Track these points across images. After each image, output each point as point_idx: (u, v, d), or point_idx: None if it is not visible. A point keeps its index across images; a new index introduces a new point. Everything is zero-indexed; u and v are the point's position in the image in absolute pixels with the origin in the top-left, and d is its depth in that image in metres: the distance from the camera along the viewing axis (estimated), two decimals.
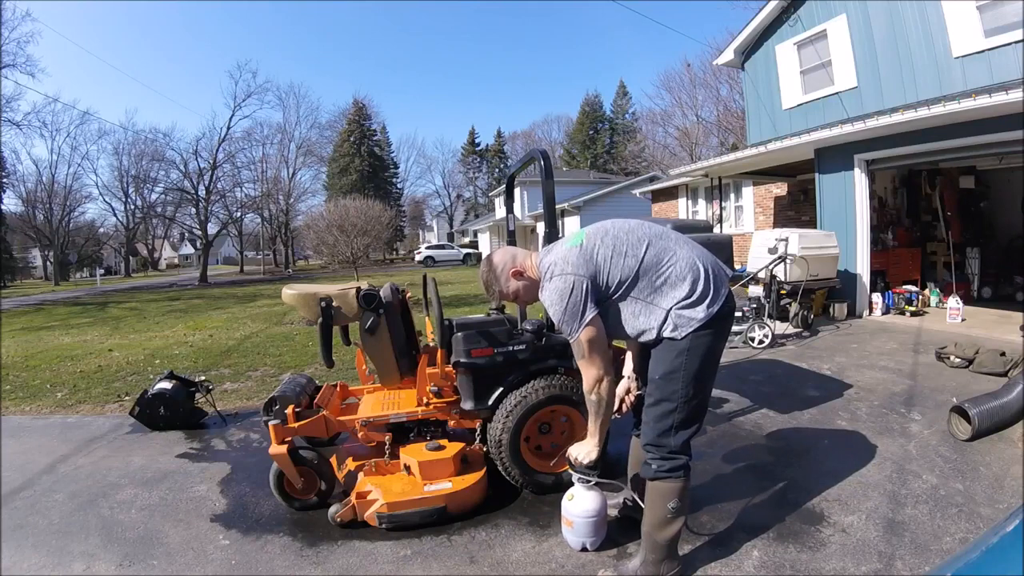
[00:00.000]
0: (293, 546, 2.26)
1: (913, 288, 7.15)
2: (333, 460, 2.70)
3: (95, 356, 6.57)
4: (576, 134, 46.30)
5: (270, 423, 2.44)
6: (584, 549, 2.11)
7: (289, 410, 2.49)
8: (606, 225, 1.88)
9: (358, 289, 2.63)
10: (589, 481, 2.06)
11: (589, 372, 1.79)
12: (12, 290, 27.96)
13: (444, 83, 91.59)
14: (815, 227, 7.60)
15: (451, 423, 2.69)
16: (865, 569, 1.96)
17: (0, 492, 2.87)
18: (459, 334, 2.52)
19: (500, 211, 27.68)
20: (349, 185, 37.55)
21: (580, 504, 2.07)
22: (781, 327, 6.07)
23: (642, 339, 1.85)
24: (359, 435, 2.58)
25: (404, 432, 2.66)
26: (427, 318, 3.18)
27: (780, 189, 10.46)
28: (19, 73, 21.42)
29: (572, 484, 2.11)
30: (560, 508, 2.14)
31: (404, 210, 47.00)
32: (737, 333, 5.76)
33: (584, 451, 1.98)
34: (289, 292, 2.62)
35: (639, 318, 1.81)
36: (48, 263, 38.06)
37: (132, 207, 38.50)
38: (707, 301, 1.75)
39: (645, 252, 1.78)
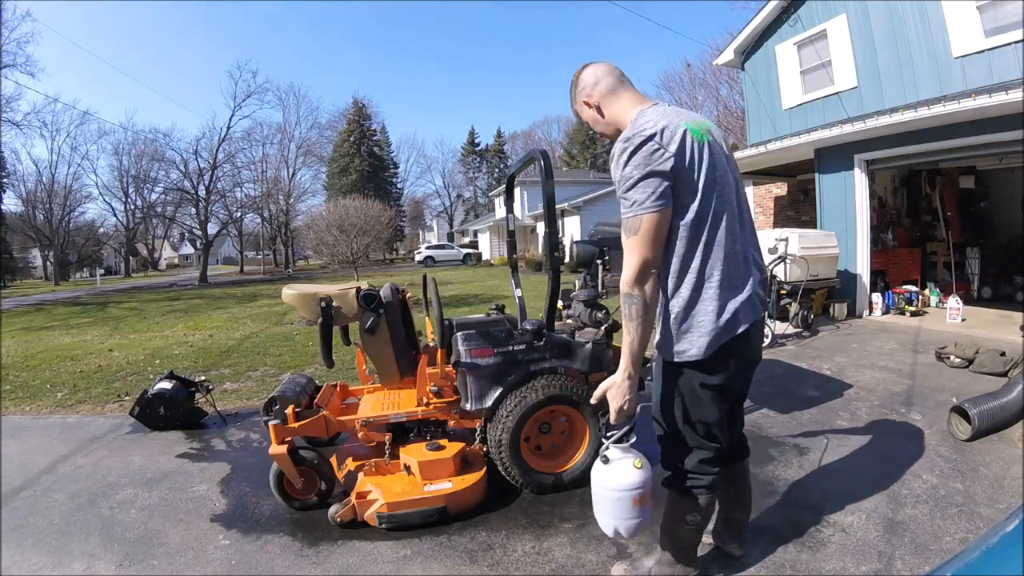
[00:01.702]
0: (293, 546, 2.26)
1: (913, 288, 7.15)
2: (333, 460, 2.70)
3: (95, 356, 6.56)
4: (576, 134, 46.23)
5: (270, 423, 2.44)
6: (617, 535, 1.68)
7: (289, 410, 2.49)
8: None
9: (358, 289, 2.63)
10: (626, 440, 1.60)
11: (637, 255, 1.45)
12: (12, 290, 27.94)
13: (444, 83, 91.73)
14: (815, 227, 7.60)
15: (451, 423, 2.69)
16: (865, 569, 1.96)
17: (0, 492, 2.87)
18: (459, 334, 2.52)
19: (500, 211, 27.69)
20: (349, 185, 37.56)
21: (614, 473, 1.58)
22: (781, 327, 6.07)
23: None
24: (359, 435, 2.58)
25: (404, 432, 2.66)
26: (427, 318, 3.19)
27: (780, 189, 10.46)
28: (19, 73, 21.39)
29: (603, 457, 1.63)
30: (591, 485, 1.68)
31: (404, 210, 47.01)
32: None
33: (615, 392, 1.55)
34: (289, 292, 2.62)
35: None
36: (48, 263, 38.03)
37: (132, 207, 38.47)
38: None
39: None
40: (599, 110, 1.67)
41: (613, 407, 1.55)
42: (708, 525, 1.95)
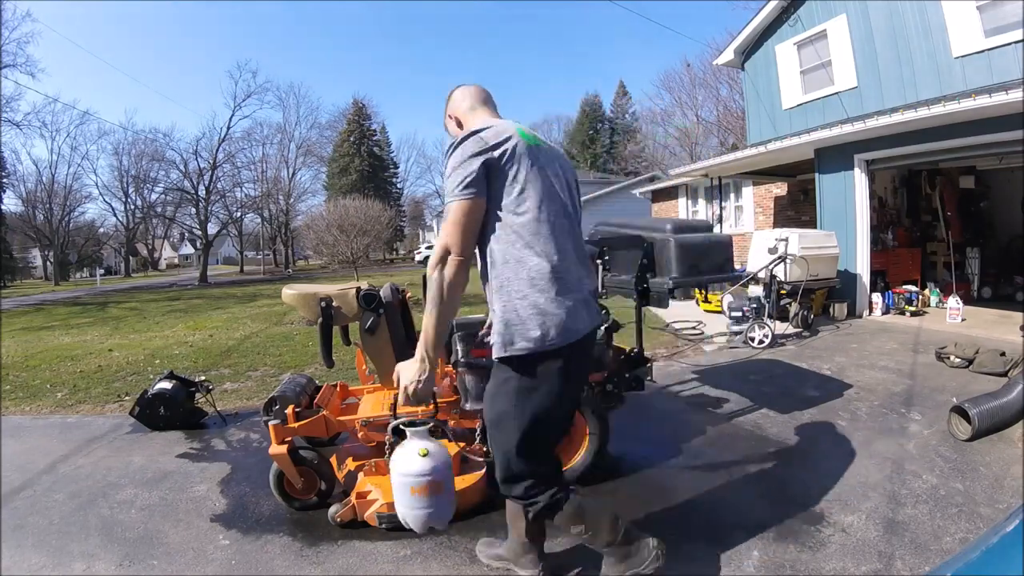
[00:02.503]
0: (293, 546, 2.26)
1: (913, 288, 7.15)
2: (333, 460, 2.70)
3: (95, 356, 6.56)
4: (576, 134, 46.29)
5: (270, 423, 2.44)
6: (406, 524, 1.66)
7: (289, 410, 2.49)
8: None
9: (358, 289, 2.63)
10: (419, 425, 1.64)
11: (441, 241, 1.50)
12: (12, 290, 27.95)
13: (444, 83, 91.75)
14: (815, 227, 7.60)
15: (451, 423, 2.69)
16: (865, 569, 1.96)
17: (0, 492, 2.87)
18: (459, 334, 2.52)
19: None
20: (349, 185, 37.58)
21: (401, 458, 1.61)
22: (781, 327, 6.07)
23: None
24: (359, 435, 2.57)
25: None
26: None
27: (780, 189, 10.46)
28: (19, 73, 21.48)
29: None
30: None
31: (404, 210, 47.02)
32: (737, 333, 5.76)
33: (408, 373, 1.52)
34: (289, 292, 2.62)
35: None
36: (48, 263, 38.05)
37: (132, 207, 38.51)
38: None
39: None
40: (458, 123, 1.81)
41: (401, 388, 1.53)
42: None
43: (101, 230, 43.37)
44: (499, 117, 1.77)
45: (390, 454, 2.53)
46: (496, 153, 1.49)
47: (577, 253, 1.62)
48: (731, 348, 5.60)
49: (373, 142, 43.49)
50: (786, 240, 6.31)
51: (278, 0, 70.25)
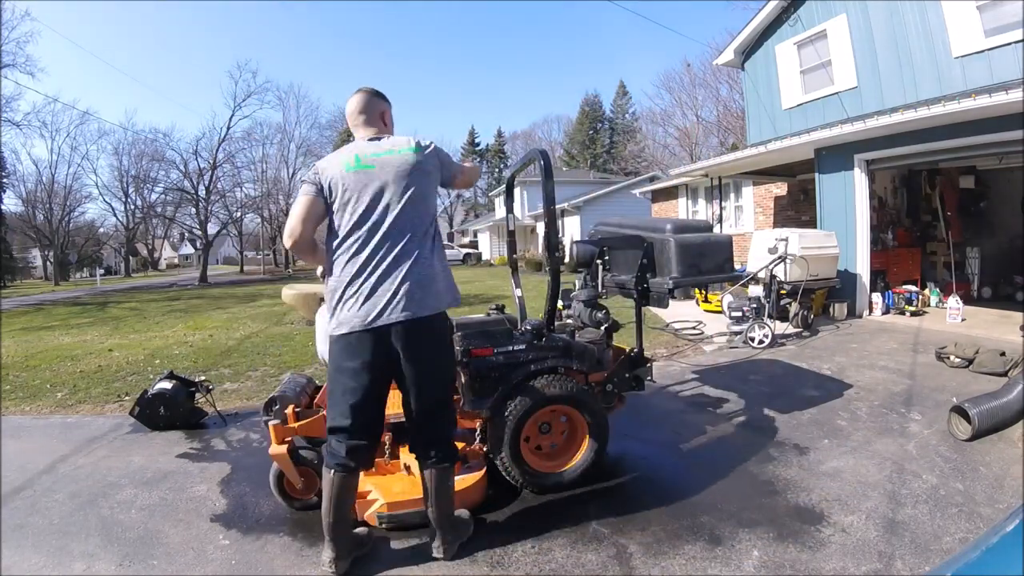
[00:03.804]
0: (293, 546, 2.26)
1: (913, 288, 7.15)
2: None
3: (95, 356, 6.56)
4: (576, 134, 46.32)
5: (270, 423, 2.44)
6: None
7: (289, 410, 2.49)
8: None
9: None
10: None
11: None
12: (12, 290, 27.92)
13: (444, 82, 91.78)
14: (815, 227, 7.60)
15: None
16: (865, 569, 1.96)
17: (0, 492, 2.87)
18: (459, 334, 2.52)
19: (500, 211, 27.67)
20: None
21: None
22: (781, 327, 6.07)
23: None
24: None
25: (404, 432, 2.65)
26: None
27: (780, 189, 10.46)
28: (19, 73, 21.27)
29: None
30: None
31: None
32: (737, 333, 5.76)
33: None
34: (289, 292, 2.63)
35: None
36: (48, 263, 38.01)
37: (132, 207, 38.43)
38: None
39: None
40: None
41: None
42: None
43: (101, 230, 43.33)
44: (367, 129, 2.09)
45: (390, 454, 2.55)
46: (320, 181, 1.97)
47: (372, 262, 1.92)
48: (731, 348, 5.60)
49: None
50: (786, 240, 6.31)
51: (278, 0, 70.23)
